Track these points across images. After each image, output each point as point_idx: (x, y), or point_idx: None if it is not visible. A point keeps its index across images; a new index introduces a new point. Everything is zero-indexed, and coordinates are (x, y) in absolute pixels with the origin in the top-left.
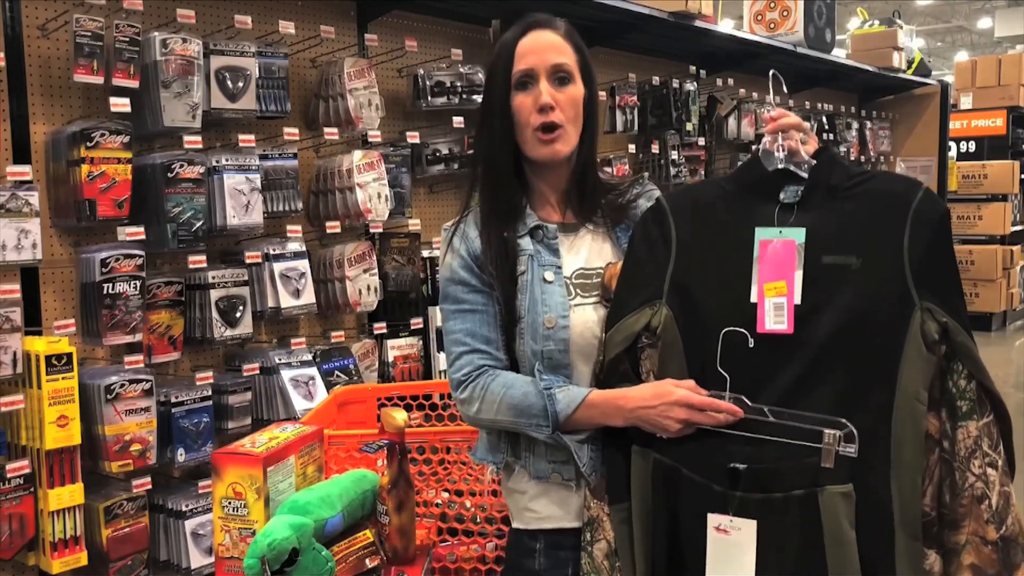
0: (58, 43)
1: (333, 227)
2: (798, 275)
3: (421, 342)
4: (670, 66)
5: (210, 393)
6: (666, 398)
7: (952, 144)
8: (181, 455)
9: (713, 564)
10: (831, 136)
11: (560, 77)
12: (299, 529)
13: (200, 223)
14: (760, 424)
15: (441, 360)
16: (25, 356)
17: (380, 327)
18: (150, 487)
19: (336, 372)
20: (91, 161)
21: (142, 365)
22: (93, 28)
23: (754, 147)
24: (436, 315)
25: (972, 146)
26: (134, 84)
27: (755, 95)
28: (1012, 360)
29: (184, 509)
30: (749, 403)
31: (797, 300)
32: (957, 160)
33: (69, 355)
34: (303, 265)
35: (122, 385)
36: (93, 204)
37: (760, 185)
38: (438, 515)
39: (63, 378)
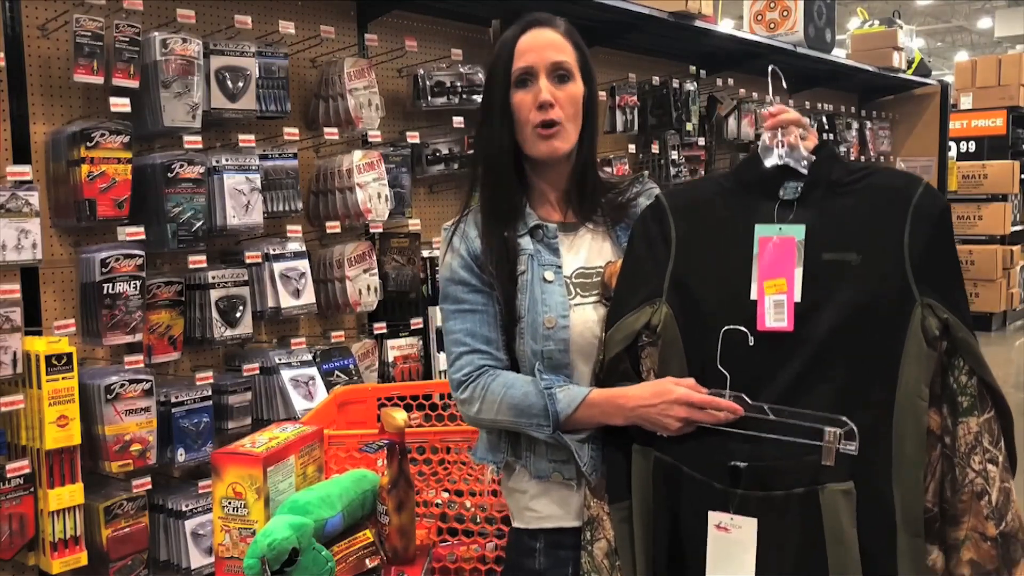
0: (58, 43)
1: (333, 227)
2: (798, 272)
3: (421, 342)
4: (670, 66)
5: (210, 393)
6: (666, 396)
7: (952, 144)
8: (181, 455)
9: (713, 562)
10: (831, 136)
11: (560, 75)
12: (299, 529)
13: (200, 223)
14: (760, 422)
15: (441, 360)
16: (25, 356)
17: (380, 327)
18: (150, 487)
19: (336, 372)
20: (91, 161)
21: (142, 365)
22: (93, 28)
23: (753, 144)
24: (436, 315)
25: (972, 146)
26: (134, 84)
27: (755, 95)
28: (1012, 360)
29: (184, 509)
30: (749, 401)
31: (797, 297)
32: (957, 160)
33: (69, 355)
34: (303, 265)
35: (122, 385)
36: (93, 204)
37: (759, 182)
38: (438, 515)
39: (63, 378)
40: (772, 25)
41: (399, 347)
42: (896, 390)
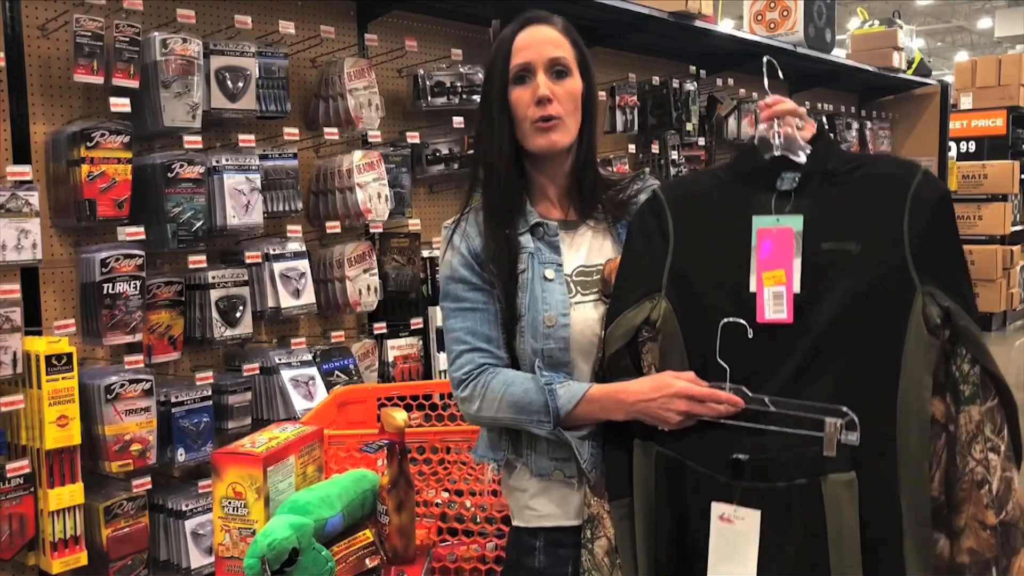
0: (58, 43)
1: (333, 227)
2: (796, 263)
3: (421, 342)
4: (670, 66)
5: (210, 393)
6: (666, 390)
7: (952, 144)
8: (181, 455)
9: (717, 553)
10: (831, 136)
11: (558, 71)
12: (299, 529)
13: (200, 223)
14: (762, 414)
15: (441, 360)
16: (25, 356)
17: (380, 327)
18: (150, 487)
19: (336, 372)
20: (91, 161)
21: (142, 365)
22: (93, 28)
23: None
24: (436, 315)
25: (972, 146)
26: (134, 84)
27: (755, 95)
28: (1012, 360)
29: (184, 509)
30: (749, 393)
31: (796, 288)
32: (957, 160)
33: (69, 355)
34: (303, 265)
35: (122, 385)
36: (93, 204)
37: (757, 173)
38: (438, 515)
39: (63, 378)
40: (772, 25)
41: (399, 347)
42: (899, 379)
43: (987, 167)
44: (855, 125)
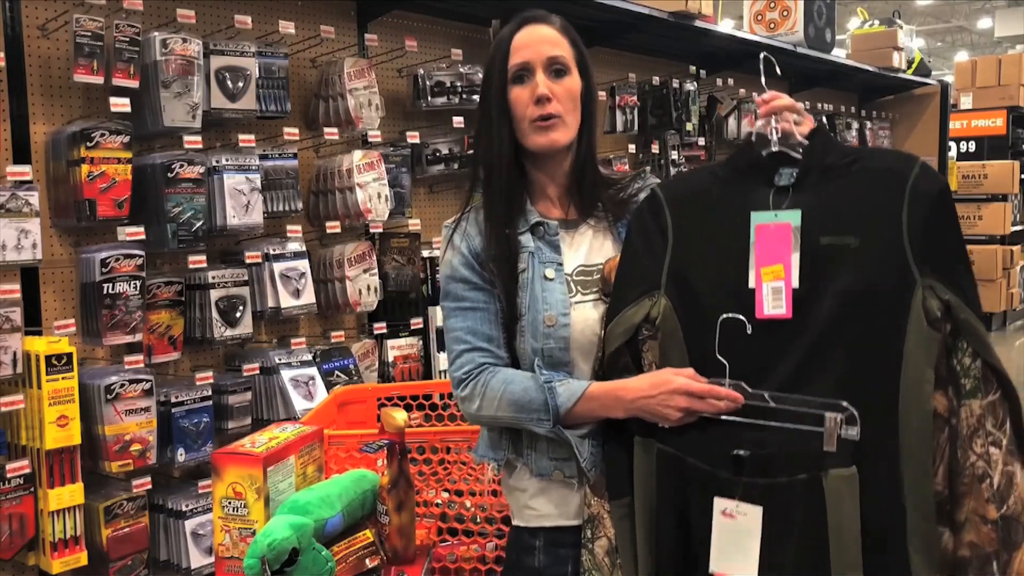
0: (58, 43)
1: (333, 227)
2: (795, 258)
3: (421, 342)
4: (670, 66)
5: (210, 393)
6: (665, 387)
7: (952, 144)
8: (181, 455)
9: (719, 548)
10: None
11: (556, 69)
12: (299, 529)
13: (200, 223)
14: (762, 410)
15: (441, 360)
16: (25, 356)
17: (380, 327)
18: (150, 487)
19: (336, 372)
20: (91, 161)
21: (142, 365)
22: (93, 28)
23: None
24: (436, 315)
25: (972, 146)
26: (134, 84)
27: (755, 95)
28: (1012, 360)
29: (184, 509)
30: (749, 389)
31: (795, 283)
32: (957, 160)
33: (69, 355)
34: (303, 265)
35: (122, 385)
36: (93, 204)
37: (754, 169)
38: (438, 515)
39: (63, 378)
40: (772, 25)
41: (399, 347)
42: (900, 373)
43: (987, 167)
44: (855, 125)
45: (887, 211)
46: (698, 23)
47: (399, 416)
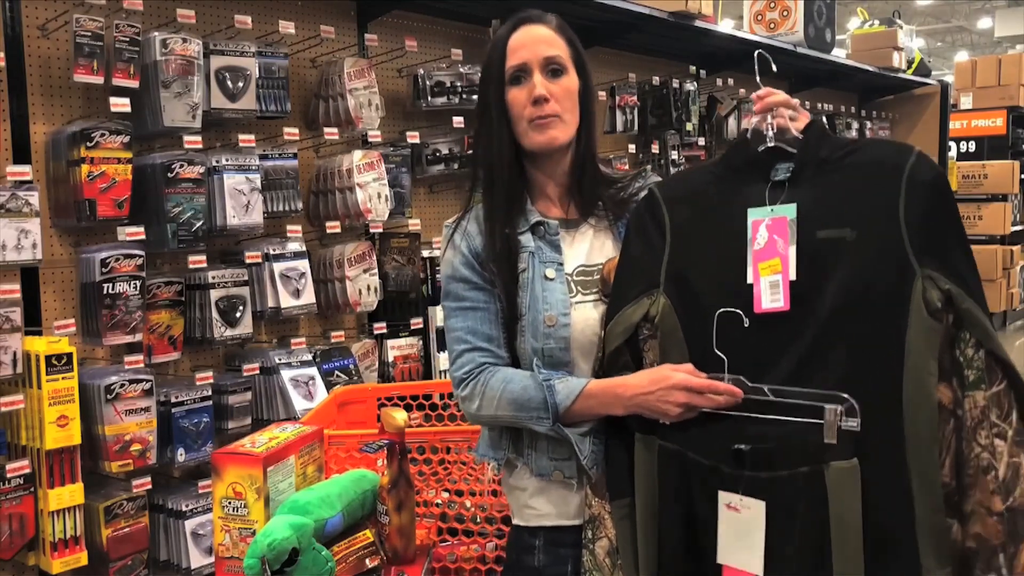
0: (58, 43)
1: (333, 227)
2: (792, 251)
3: (421, 342)
4: (670, 66)
5: (210, 393)
6: (664, 383)
7: (952, 144)
8: (181, 455)
9: (725, 541)
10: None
11: (553, 69)
12: (299, 529)
13: (200, 223)
14: (762, 404)
15: (441, 360)
16: (25, 356)
17: (380, 327)
18: (150, 487)
19: (336, 372)
20: (91, 161)
21: (142, 365)
22: (93, 28)
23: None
24: (436, 315)
25: (972, 146)
26: (134, 84)
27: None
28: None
29: (184, 509)
30: (748, 383)
31: (792, 276)
32: (957, 160)
33: (69, 355)
34: (303, 265)
35: (122, 385)
36: (93, 204)
37: (751, 166)
38: (438, 515)
39: (63, 378)
40: (772, 25)
41: (399, 347)
42: (903, 365)
43: (987, 167)
44: (855, 125)
45: (884, 202)
46: (698, 23)
47: (399, 416)
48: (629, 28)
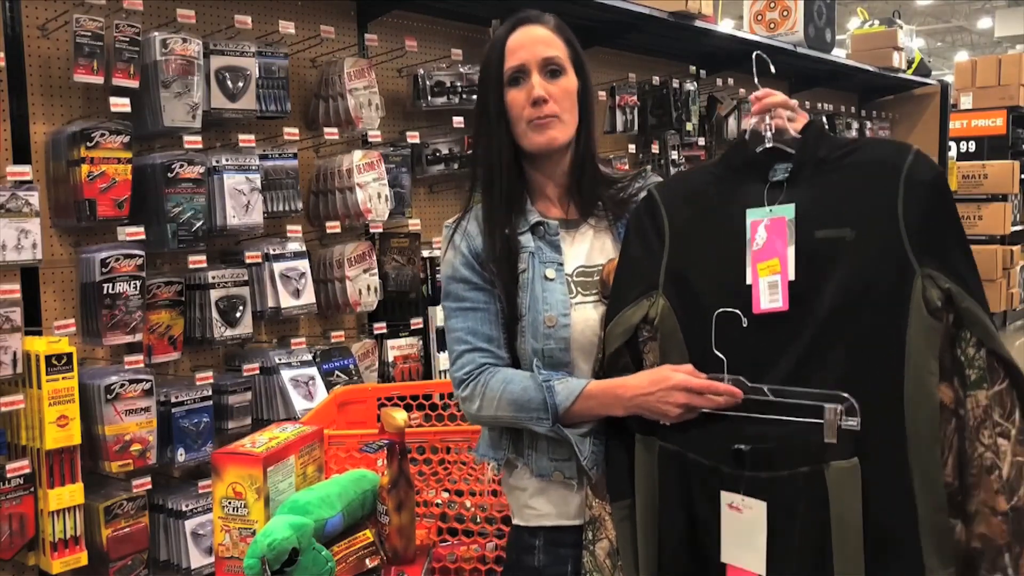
0: (58, 43)
1: (333, 227)
2: (790, 251)
3: (421, 342)
4: (670, 66)
5: (210, 393)
6: (664, 384)
7: (952, 144)
8: (181, 455)
9: (728, 540)
10: (822, 124)
11: (552, 70)
12: (299, 529)
13: (200, 223)
14: (762, 404)
15: (441, 360)
16: (25, 356)
17: (380, 327)
18: (150, 487)
19: (336, 372)
20: (91, 161)
21: (142, 365)
22: (93, 28)
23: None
24: (436, 315)
25: (972, 146)
26: (134, 84)
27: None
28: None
29: (184, 509)
30: (748, 383)
31: (791, 276)
32: (957, 160)
33: (69, 355)
34: (303, 265)
35: (122, 385)
36: (93, 204)
37: (749, 166)
38: (438, 515)
39: (63, 378)
40: (772, 25)
41: (399, 347)
42: (904, 365)
43: (987, 167)
44: (855, 125)
45: (882, 202)
46: (698, 23)
47: (399, 416)
48: (629, 28)
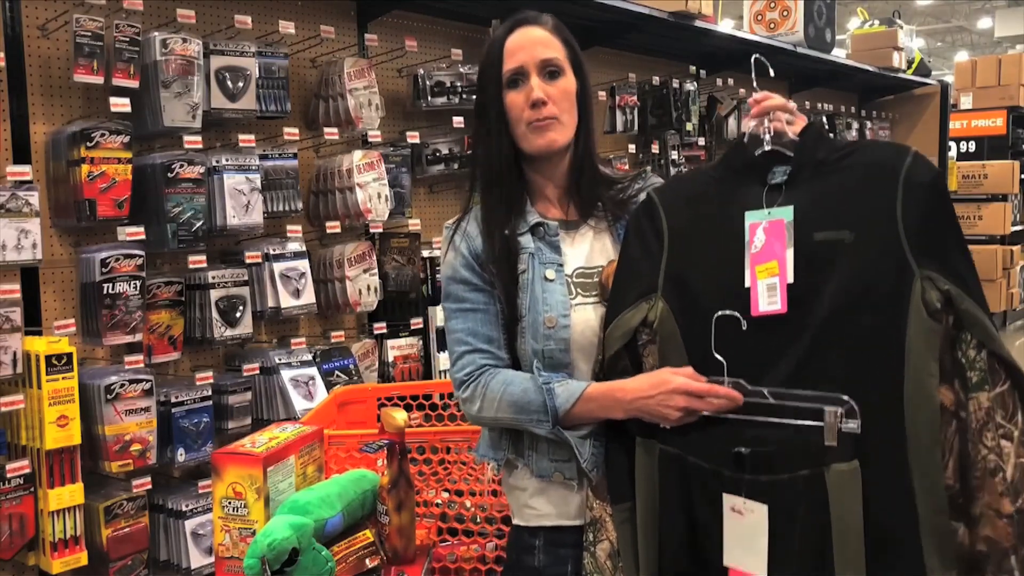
0: (58, 43)
1: (333, 227)
2: (789, 254)
3: (421, 342)
4: (670, 66)
5: (210, 393)
6: (664, 387)
7: (952, 144)
8: (181, 455)
9: (730, 544)
10: (831, 136)
11: (550, 71)
12: (299, 529)
13: (200, 223)
14: (762, 407)
15: (441, 360)
16: (25, 356)
17: (380, 327)
18: (150, 487)
19: (336, 372)
20: (91, 161)
21: (142, 365)
22: (93, 28)
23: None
24: (436, 315)
25: (972, 146)
26: (134, 84)
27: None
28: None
29: (184, 509)
30: (748, 387)
31: (790, 279)
32: (957, 160)
33: (69, 355)
34: (303, 265)
35: (122, 385)
36: (93, 204)
37: (748, 169)
38: (438, 515)
39: (63, 378)
40: (772, 25)
41: (399, 347)
42: (904, 367)
43: (987, 167)
44: (855, 125)
45: (881, 204)
46: (698, 23)
47: (399, 416)
48: (629, 28)
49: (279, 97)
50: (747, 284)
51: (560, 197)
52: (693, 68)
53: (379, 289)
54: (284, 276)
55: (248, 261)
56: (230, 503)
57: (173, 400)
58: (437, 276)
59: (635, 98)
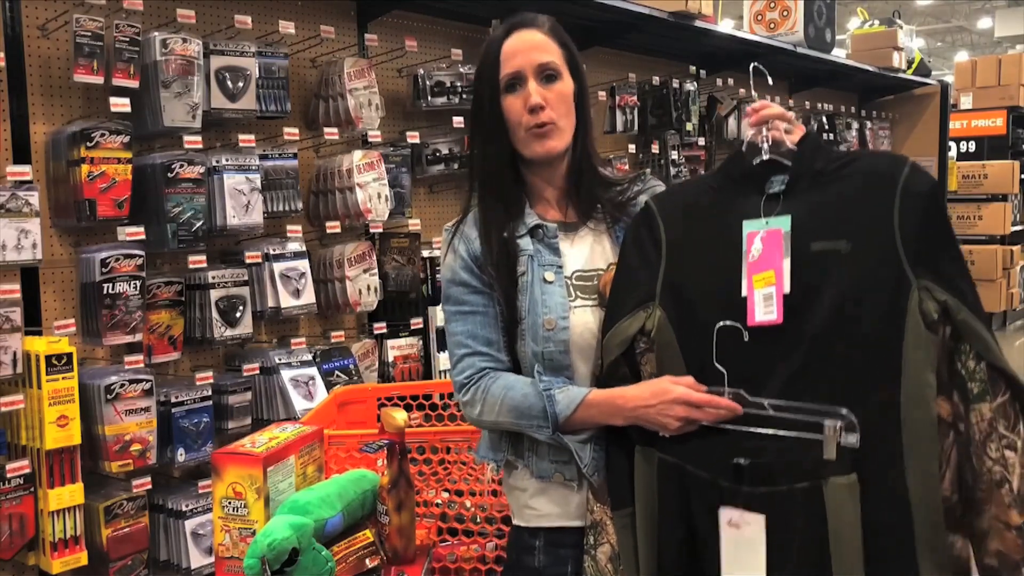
0: (58, 43)
1: (333, 227)
2: (786, 263)
3: (421, 342)
4: (670, 66)
5: (210, 393)
6: (664, 396)
7: (952, 144)
8: (181, 455)
9: (728, 558)
10: (831, 136)
11: (547, 75)
12: (299, 529)
13: (200, 223)
14: (761, 418)
15: (442, 360)
16: (25, 356)
17: (380, 327)
18: (150, 487)
19: (336, 372)
20: (91, 161)
21: (142, 365)
22: (93, 28)
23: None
24: (436, 315)
25: (972, 146)
26: (134, 84)
27: (755, 95)
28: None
29: (184, 509)
30: (748, 397)
31: (786, 289)
32: (957, 160)
33: (69, 355)
34: (303, 265)
35: (122, 385)
36: (93, 204)
37: (746, 178)
38: (438, 515)
39: (63, 378)
40: (772, 25)
41: (399, 347)
42: (901, 379)
43: (987, 167)
44: (855, 125)
45: (878, 214)
46: (698, 23)
47: (399, 416)
48: (629, 28)
49: (279, 97)
50: (744, 293)
51: (559, 199)
52: (693, 68)
53: (379, 289)
54: (284, 276)
55: (248, 261)
56: (230, 503)
57: (173, 400)
58: (437, 276)
59: (635, 98)
